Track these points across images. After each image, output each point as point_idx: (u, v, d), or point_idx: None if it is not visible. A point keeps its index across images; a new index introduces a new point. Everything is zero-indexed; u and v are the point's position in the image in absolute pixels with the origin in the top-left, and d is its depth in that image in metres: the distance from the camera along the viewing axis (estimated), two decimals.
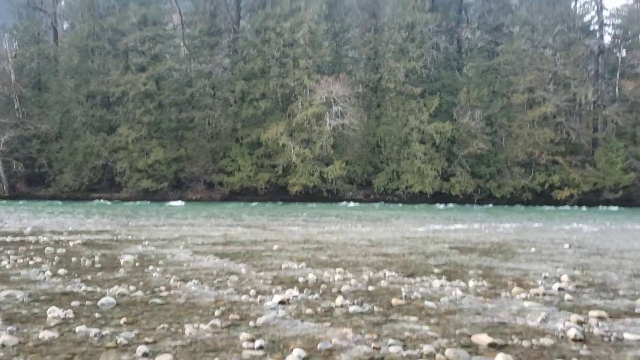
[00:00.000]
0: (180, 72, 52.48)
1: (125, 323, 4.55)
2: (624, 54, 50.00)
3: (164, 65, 50.17)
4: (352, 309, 5.21)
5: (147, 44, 49.59)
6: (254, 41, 50.43)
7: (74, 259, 8.65)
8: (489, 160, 46.79)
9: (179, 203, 42.67)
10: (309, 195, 45.91)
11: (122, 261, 8.40)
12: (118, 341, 4.00)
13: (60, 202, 42.06)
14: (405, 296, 5.89)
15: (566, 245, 12.04)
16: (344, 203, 43.89)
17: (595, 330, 4.51)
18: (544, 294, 6.12)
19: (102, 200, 45.98)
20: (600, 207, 42.32)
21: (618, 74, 48.59)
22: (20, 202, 40.31)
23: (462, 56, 53.02)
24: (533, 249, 11.17)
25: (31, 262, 8.14)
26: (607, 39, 52.35)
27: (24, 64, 51.59)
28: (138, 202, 44.35)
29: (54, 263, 8.16)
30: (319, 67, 49.41)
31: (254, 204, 42.61)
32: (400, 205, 42.99)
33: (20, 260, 8.29)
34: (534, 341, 4.15)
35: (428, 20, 48.33)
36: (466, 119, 46.80)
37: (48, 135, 49.72)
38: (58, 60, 52.87)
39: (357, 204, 43.92)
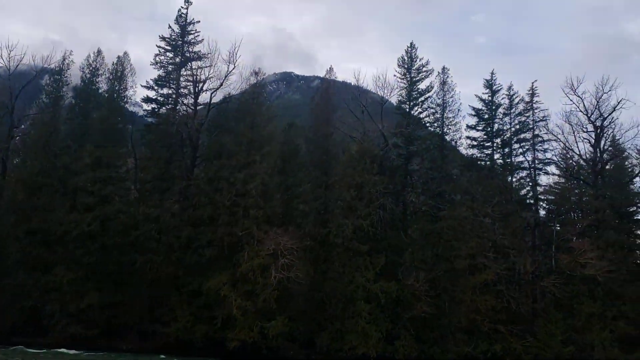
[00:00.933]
0: (127, 214, 51.85)
1: None
2: (558, 227, 53.00)
3: (112, 207, 49.83)
4: None
5: (97, 185, 49.57)
6: (206, 189, 51.14)
7: None
8: (432, 324, 46.42)
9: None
10: (247, 353, 43.69)
11: None
12: None
13: None
14: None
15: None
16: None
17: None
18: None
19: (22, 347, 42.51)
20: None
21: (554, 246, 50.86)
22: None
23: (407, 218, 54.89)
24: None
25: None
26: (542, 213, 55.87)
27: None
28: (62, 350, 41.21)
29: None
30: (268, 218, 49.85)
31: None
32: None
33: None
34: None
35: (376, 182, 50.42)
36: (411, 280, 47.17)
37: None
38: (2, 194, 51.76)
39: None
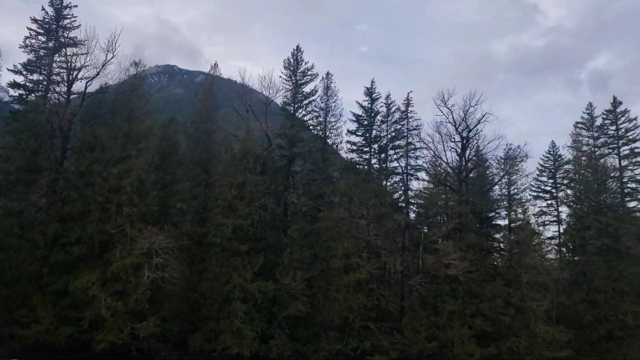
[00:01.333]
0: None
1: None
2: (425, 230, 56.41)
3: None
4: None
5: None
6: (77, 183, 48.25)
7: None
8: (307, 323, 47.47)
9: None
10: (116, 355, 41.92)
11: None
12: None
13: None
14: None
15: None
16: None
17: None
18: None
19: None
20: None
21: (421, 247, 54.11)
22: None
23: (287, 218, 55.68)
24: None
25: None
26: (412, 216, 59.24)
27: None
28: None
29: None
30: (143, 216, 48.13)
31: None
32: None
33: None
34: None
35: (258, 182, 50.51)
36: (288, 279, 47.85)
37: None
38: None
39: None
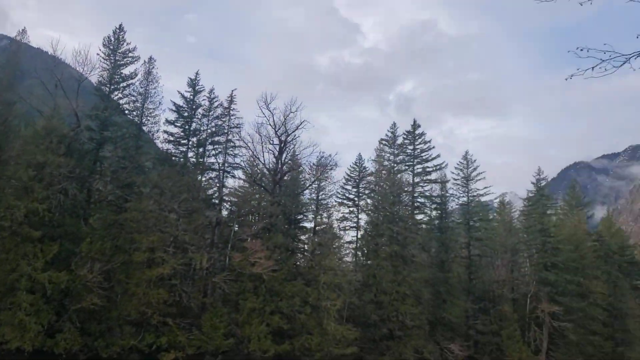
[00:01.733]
0: None
1: None
2: (236, 228, 57.39)
3: None
4: None
5: None
6: None
7: None
8: (101, 316, 45.31)
9: None
10: None
11: None
12: None
13: None
14: None
15: None
16: None
17: None
18: None
19: None
20: None
21: (230, 245, 54.90)
22: None
23: (90, 206, 52.47)
24: None
25: None
26: (225, 213, 59.84)
27: None
28: None
29: None
30: None
31: None
32: None
33: None
34: None
35: (60, 164, 46.89)
36: (84, 271, 45.17)
37: None
38: None
39: None
